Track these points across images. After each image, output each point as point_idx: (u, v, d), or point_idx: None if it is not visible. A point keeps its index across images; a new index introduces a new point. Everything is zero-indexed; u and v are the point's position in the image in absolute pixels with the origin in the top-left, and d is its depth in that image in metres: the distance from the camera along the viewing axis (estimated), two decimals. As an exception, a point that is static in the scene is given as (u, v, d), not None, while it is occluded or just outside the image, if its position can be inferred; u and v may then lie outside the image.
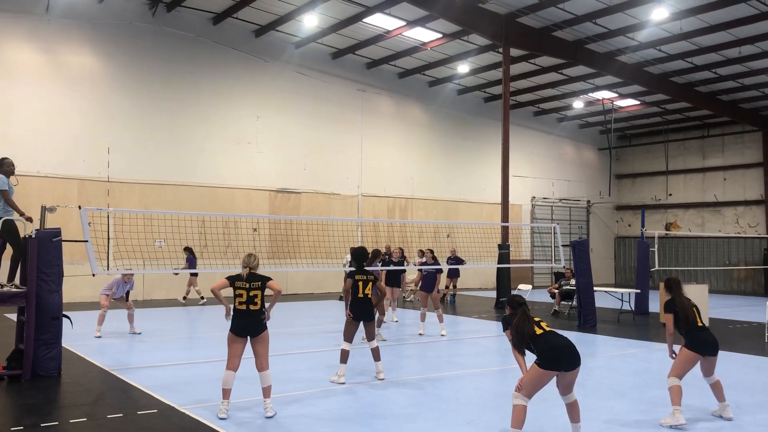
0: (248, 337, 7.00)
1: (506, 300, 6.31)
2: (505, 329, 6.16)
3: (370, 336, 8.82)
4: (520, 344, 5.95)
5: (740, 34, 20.12)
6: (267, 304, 7.19)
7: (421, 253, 20.65)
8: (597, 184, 33.29)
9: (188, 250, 17.69)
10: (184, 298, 18.92)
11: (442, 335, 13.12)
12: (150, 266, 17.80)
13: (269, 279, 7.14)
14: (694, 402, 7.57)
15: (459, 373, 9.52)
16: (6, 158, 9.35)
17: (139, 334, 12.70)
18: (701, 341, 6.93)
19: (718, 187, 31.21)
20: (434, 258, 13.68)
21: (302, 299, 20.86)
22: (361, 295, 8.75)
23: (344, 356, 8.57)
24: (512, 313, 6.09)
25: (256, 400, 7.31)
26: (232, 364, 6.92)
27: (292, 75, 23.00)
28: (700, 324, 7.05)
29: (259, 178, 22.18)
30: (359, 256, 8.98)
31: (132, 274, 12.69)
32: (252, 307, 6.97)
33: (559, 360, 5.77)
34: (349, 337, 8.64)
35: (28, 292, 8.67)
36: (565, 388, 5.99)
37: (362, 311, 8.73)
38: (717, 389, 7.07)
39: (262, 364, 6.98)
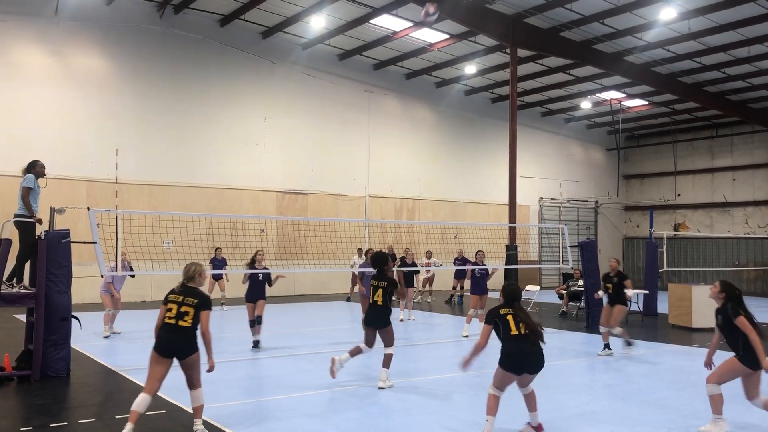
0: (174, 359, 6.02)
1: (503, 288, 6.30)
2: (488, 322, 6.19)
3: (386, 342, 8.49)
4: (508, 302, 6.17)
5: (749, 33, 20.00)
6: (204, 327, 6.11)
7: (429, 254, 20.73)
8: (605, 185, 33.18)
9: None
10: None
11: (465, 336, 13.32)
12: (158, 267, 17.90)
13: (206, 308, 6.02)
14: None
15: (465, 375, 9.48)
16: (38, 161, 9.53)
17: (119, 334, 12.60)
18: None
19: (727, 187, 31.03)
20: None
21: (309, 300, 20.87)
22: (370, 300, 8.55)
23: (384, 360, 8.33)
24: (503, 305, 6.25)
25: (270, 400, 7.30)
26: (150, 387, 5.97)
27: (299, 76, 23.03)
28: None
29: (267, 179, 22.21)
30: (377, 260, 8.65)
31: (125, 257, 12.26)
32: (181, 323, 5.95)
33: (521, 366, 6.06)
34: (369, 342, 8.45)
35: (37, 293, 8.72)
36: (524, 385, 6.27)
37: (372, 317, 8.49)
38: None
39: (193, 383, 6.09)
